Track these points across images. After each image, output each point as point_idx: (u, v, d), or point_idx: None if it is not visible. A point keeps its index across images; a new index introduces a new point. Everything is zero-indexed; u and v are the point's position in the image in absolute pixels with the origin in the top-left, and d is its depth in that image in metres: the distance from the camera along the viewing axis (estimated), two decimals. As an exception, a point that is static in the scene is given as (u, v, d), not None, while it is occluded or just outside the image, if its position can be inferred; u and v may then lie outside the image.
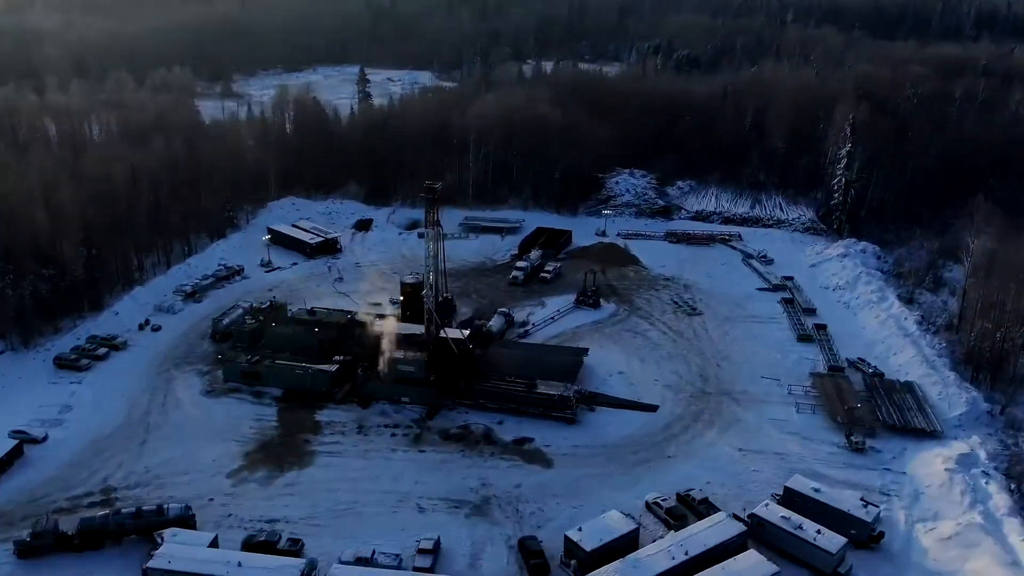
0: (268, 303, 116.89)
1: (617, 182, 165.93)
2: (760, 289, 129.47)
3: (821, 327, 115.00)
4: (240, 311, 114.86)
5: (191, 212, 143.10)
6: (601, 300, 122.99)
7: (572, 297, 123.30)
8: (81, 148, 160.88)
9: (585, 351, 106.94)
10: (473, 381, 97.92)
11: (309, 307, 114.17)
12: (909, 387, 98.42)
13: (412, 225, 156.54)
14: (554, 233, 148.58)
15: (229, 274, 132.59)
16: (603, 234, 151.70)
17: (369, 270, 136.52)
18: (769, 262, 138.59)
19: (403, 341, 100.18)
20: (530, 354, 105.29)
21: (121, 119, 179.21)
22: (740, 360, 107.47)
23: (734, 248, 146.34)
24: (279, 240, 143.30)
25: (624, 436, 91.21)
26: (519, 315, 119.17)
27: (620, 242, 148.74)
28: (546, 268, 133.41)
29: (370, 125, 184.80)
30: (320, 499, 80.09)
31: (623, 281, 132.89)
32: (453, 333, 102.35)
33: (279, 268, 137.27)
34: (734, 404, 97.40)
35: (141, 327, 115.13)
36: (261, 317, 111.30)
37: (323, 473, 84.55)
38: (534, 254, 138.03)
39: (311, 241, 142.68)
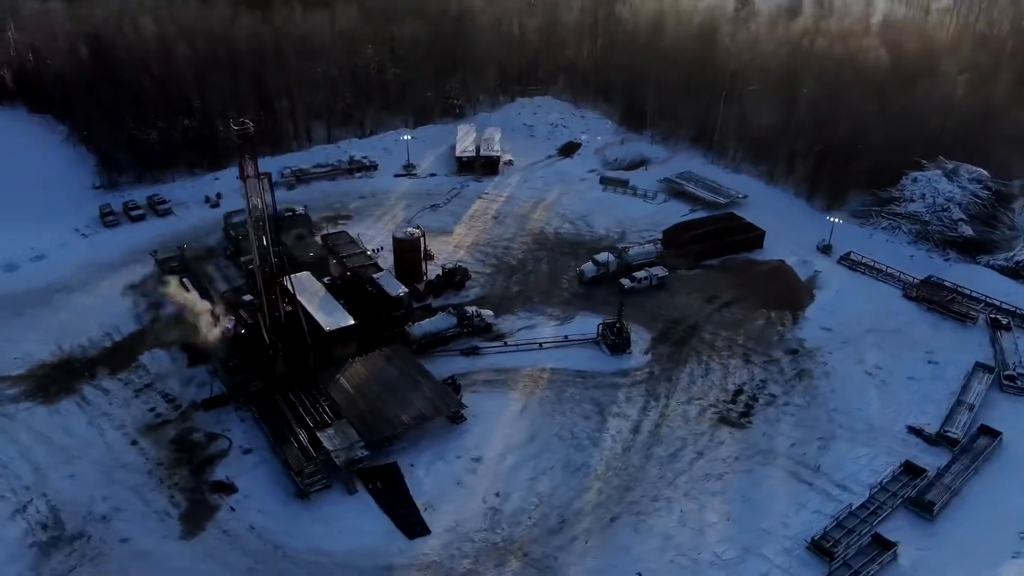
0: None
1: (916, 179, 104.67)
2: None
3: None
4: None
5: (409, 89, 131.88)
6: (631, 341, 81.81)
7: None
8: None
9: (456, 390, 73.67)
10: (287, 384, 74.23)
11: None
12: None
13: (631, 165, 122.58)
14: (732, 227, 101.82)
15: (354, 168, 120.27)
16: (827, 249, 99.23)
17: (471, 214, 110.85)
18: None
19: (243, 308, 79.87)
20: (406, 376, 75.59)
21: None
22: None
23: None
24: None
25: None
26: (513, 323, 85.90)
27: (825, 269, 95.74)
28: (643, 272, 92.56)
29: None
30: None
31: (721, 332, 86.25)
32: (337, 319, 78.43)
33: (413, 175, 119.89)
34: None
35: (207, 199, 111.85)
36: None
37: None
38: (647, 247, 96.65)
39: (461, 155, 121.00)
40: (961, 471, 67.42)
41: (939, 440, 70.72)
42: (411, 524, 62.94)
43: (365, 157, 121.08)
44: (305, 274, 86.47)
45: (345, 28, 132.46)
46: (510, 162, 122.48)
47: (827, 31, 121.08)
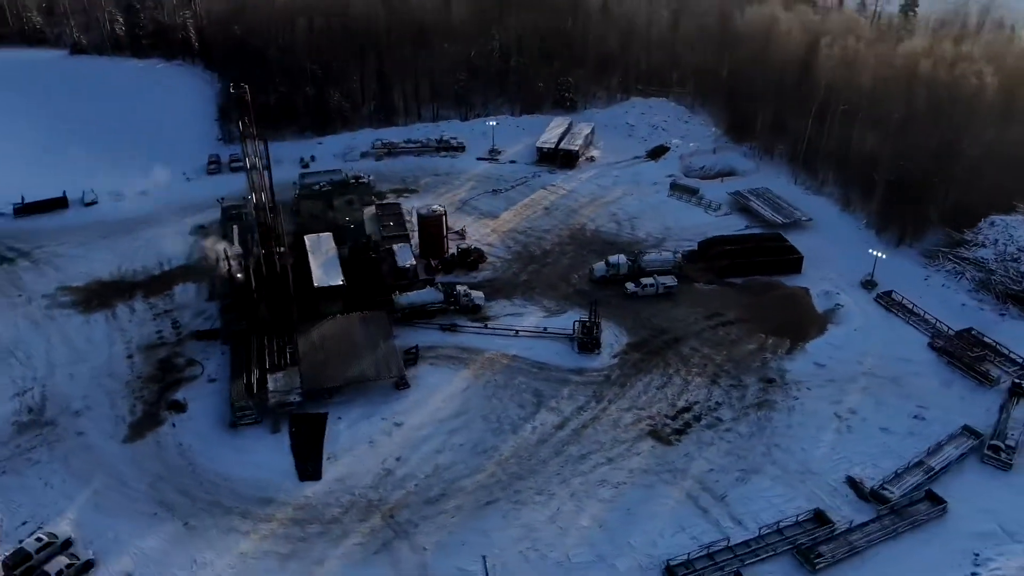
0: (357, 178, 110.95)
1: (995, 223, 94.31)
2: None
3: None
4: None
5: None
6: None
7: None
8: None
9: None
10: (267, 328, 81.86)
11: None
12: None
13: (718, 175, 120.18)
14: (768, 247, 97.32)
15: (442, 147, 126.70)
16: (869, 284, 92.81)
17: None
18: None
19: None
20: (370, 339, 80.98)
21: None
22: None
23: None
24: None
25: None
26: (504, 308, 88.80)
27: (853, 305, 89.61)
28: (650, 279, 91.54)
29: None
30: None
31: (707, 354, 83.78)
32: (329, 278, 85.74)
33: (494, 160, 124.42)
34: None
35: (301, 160, 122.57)
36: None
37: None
38: (665, 255, 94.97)
39: (542, 146, 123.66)
40: (876, 532, 62.35)
41: (871, 496, 65.46)
42: (306, 469, 68.02)
43: (454, 138, 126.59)
44: (326, 235, 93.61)
45: (472, 13, 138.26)
46: (592, 158, 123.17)
47: (928, 51, 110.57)
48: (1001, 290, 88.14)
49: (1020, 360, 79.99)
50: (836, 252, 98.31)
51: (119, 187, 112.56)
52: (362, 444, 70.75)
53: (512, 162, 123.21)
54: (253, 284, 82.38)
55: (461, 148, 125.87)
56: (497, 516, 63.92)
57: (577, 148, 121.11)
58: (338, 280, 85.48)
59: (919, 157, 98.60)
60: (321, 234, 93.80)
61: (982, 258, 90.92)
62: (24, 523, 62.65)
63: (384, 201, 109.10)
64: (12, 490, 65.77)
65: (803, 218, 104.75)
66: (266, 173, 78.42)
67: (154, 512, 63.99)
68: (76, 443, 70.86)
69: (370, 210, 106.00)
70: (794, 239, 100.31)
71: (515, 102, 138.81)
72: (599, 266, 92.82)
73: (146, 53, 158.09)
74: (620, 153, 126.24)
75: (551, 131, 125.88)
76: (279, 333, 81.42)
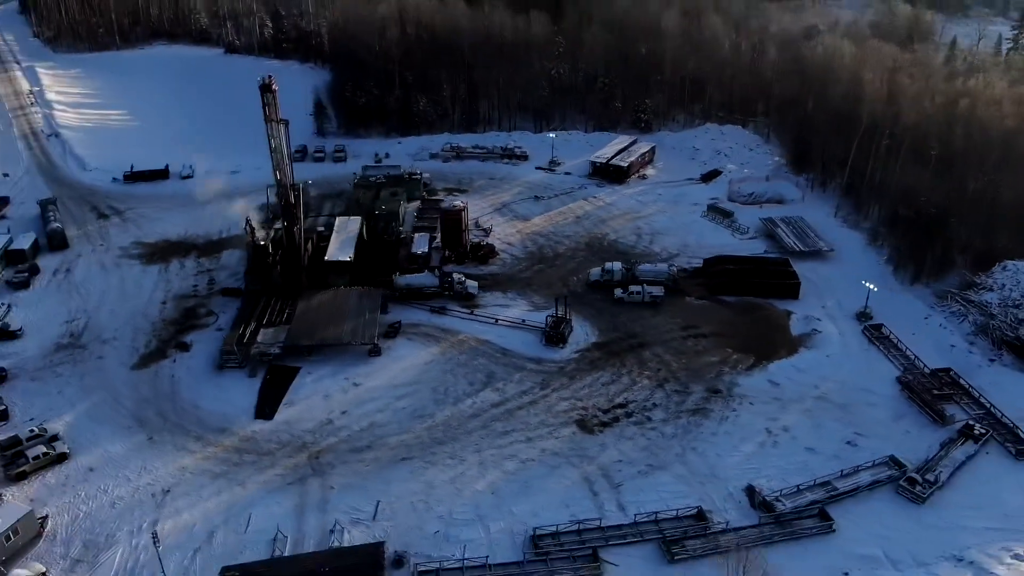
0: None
1: (1007, 267, 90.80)
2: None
3: None
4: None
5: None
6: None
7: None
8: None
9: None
10: (278, 291, 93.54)
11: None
12: None
13: (768, 201, 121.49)
14: (767, 270, 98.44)
15: (506, 154, 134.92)
16: (864, 316, 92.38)
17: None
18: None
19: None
20: (359, 310, 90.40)
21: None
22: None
23: None
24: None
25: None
26: (495, 299, 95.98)
27: (835, 333, 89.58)
28: (638, 287, 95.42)
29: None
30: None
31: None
32: (341, 254, 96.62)
33: (551, 171, 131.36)
34: None
35: (376, 156, 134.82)
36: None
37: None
38: (659, 266, 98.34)
39: (595, 160, 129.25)
40: (751, 536, 64.32)
41: (761, 505, 67.22)
42: (263, 410, 77.69)
43: (519, 147, 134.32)
44: (355, 218, 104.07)
45: (553, 32, 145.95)
46: (644, 176, 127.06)
47: (969, 91, 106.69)
48: (997, 335, 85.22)
49: (988, 405, 77.79)
50: (846, 283, 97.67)
51: (217, 166, 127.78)
52: (318, 396, 79.58)
53: (567, 173, 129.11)
54: (270, 252, 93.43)
55: (524, 157, 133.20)
56: (405, 471, 70.64)
57: (627, 164, 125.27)
58: (347, 257, 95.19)
59: (949, 195, 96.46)
60: (351, 217, 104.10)
61: (987, 302, 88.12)
62: (32, 419, 75.69)
63: (432, 197, 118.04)
64: (33, 393, 79.51)
65: (825, 248, 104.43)
66: (287, 156, 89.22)
67: (129, 425, 75.52)
68: (94, 364, 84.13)
69: (416, 204, 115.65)
70: (809, 267, 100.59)
71: (591, 119, 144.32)
72: (595, 271, 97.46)
73: (286, 55, 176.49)
74: (676, 174, 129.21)
75: (610, 147, 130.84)
76: (286, 296, 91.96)
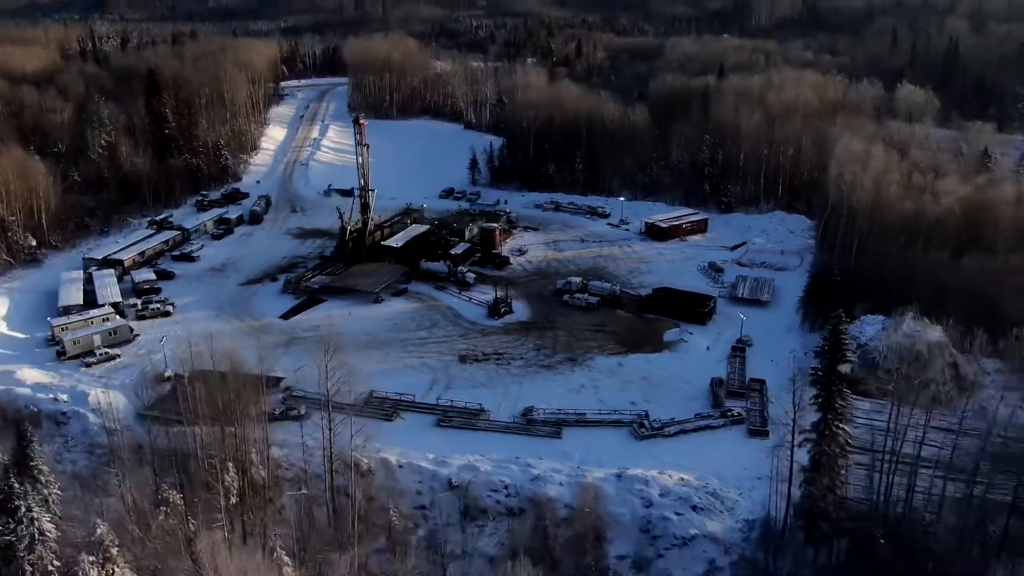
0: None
1: (863, 320, 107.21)
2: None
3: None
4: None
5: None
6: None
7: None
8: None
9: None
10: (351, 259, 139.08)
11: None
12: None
13: (772, 267, 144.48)
14: (685, 301, 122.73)
15: (590, 211, 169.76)
16: (742, 341, 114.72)
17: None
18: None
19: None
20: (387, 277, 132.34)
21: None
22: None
23: None
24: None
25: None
26: (484, 290, 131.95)
27: (700, 347, 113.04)
28: (583, 295, 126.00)
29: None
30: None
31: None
32: (393, 243, 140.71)
33: (616, 226, 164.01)
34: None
35: (497, 201, 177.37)
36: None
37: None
38: (605, 284, 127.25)
39: (647, 220, 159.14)
40: (512, 429, 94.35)
41: (525, 416, 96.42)
42: (287, 315, 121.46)
43: (602, 207, 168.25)
44: (423, 226, 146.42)
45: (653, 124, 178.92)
46: (685, 239, 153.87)
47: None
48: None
49: (765, 405, 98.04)
50: (760, 323, 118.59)
51: (385, 192, 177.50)
52: (322, 314, 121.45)
53: (627, 229, 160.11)
54: (348, 233, 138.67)
55: (605, 215, 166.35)
56: (350, 354, 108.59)
57: (668, 226, 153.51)
58: (396, 245, 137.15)
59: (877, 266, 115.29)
60: (423, 226, 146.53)
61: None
62: (167, 297, 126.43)
63: (511, 227, 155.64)
64: (182, 287, 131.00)
65: (764, 299, 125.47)
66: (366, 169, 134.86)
67: (211, 308, 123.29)
68: (220, 280, 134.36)
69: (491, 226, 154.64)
70: (745, 310, 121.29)
71: (681, 195, 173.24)
72: (560, 282, 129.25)
73: (500, 131, 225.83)
74: (717, 242, 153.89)
75: (667, 214, 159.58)
76: (350, 261, 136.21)
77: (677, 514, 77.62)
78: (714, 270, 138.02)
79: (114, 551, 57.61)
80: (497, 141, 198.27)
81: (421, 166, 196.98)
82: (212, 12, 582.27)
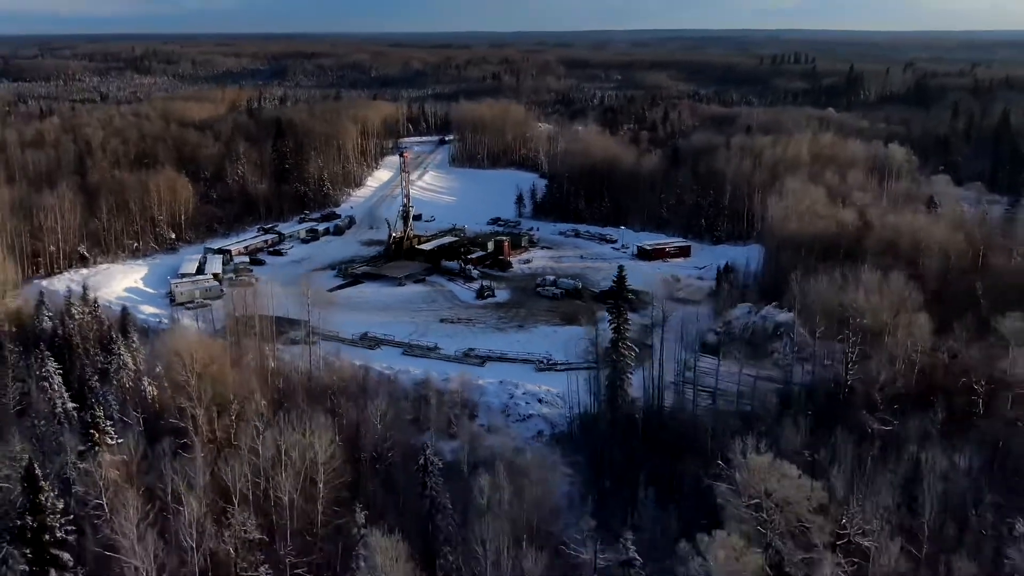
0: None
1: (738, 308, 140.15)
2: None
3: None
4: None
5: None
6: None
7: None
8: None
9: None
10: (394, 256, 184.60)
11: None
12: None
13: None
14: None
15: (600, 237, 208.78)
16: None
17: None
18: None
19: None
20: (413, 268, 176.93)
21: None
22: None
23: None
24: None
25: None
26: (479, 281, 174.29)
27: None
28: (555, 287, 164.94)
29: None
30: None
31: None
32: (424, 247, 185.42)
33: (617, 249, 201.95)
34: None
35: (561, 231, 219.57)
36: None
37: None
38: (573, 282, 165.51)
39: (639, 244, 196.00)
40: (455, 359, 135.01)
41: (467, 355, 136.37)
42: (334, 289, 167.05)
43: (610, 235, 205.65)
44: (453, 238, 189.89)
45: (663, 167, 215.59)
46: (667, 260, 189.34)
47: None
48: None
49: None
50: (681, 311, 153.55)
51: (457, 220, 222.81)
52: (357, 292, 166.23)
53: (624, 251, 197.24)
54: (392, 239, 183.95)
55: (612, 240, 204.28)
56: (368, 312, 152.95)
57: (651, 249, 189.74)
58: (426, 248, 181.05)
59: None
60: (454, 237, 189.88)
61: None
62: (259, 278, 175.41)
63: (529, 244, 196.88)
64: (265, 272, 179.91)
65: (697, 299, 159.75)
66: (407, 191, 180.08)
67: (286, 282, 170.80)
68: (296, 268, 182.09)
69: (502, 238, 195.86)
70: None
71: (680, 228, 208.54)
72: (539, 279, 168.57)
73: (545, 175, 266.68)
74: (695, 263, 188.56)
75: (657, 242, 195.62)
76: (392, 258, 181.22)
77: (527, 403, 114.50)
78: (674, 279, 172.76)
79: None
80: (541, 181, 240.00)
81: (487, 203, 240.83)
82: (371, 81, 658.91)
